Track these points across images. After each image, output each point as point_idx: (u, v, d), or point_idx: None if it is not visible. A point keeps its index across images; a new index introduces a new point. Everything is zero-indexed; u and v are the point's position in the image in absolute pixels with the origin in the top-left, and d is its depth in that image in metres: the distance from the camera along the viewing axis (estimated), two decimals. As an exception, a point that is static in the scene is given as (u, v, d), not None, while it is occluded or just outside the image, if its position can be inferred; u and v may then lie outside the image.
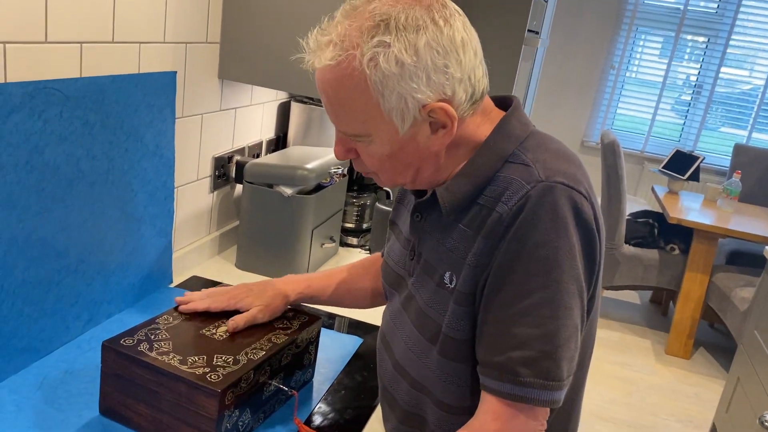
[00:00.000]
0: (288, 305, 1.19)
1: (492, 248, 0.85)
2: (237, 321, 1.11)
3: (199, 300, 1.14)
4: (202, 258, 1.69)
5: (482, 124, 0.91)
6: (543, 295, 0.82)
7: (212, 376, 0.97)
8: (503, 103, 0.96)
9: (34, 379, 1.11)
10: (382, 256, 1.23)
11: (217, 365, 1.00)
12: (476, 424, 0.86)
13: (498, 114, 0.93)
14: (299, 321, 1.18)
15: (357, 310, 1.55)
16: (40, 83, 1.06)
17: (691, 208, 3.78)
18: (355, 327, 1.48)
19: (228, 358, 1.02)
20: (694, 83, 5.16)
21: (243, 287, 1.17)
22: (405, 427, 1.03)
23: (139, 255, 1.40)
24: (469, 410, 0.93)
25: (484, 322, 0.87)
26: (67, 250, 1.19)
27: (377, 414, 1.18)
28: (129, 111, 1.28)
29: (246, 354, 1.04)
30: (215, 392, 0.94)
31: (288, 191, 1.59)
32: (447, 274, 0.91)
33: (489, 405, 0.85)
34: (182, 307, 1.13)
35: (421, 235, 0.98)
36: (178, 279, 1.57)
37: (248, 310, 1.13)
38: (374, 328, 1.47)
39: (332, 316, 1.50)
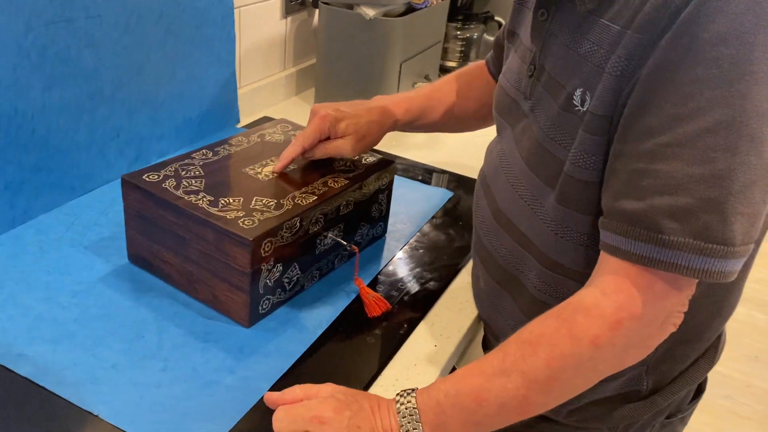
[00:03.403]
0: (383, 135, 0.95)
1: (647, 46, 0.57)
2: (314, 152, 0.89)
3: (290, 148, 0.89)
4: (275, 98, 1.47)
5: None
6: (717, 115, 0.53)
7: (246, 222, 0.77)
8: None
9: (65, 220, 0.97)
10: (487, 64, 0.99)
11: (254, 209, 0.80)
12: (590, 298, 0.60)
13: None
14: (366, 163, 0.95)
15: (449, 156, 1.31)
16: None
17: None
18: (445, 178, 1.23)
19: (269, 202, 0.81)
20: None
21: (329, 109, 0.90)
22: (500, 289, 0.80)
23: (195, 85, 1.20)
24: (583, 276, 0.69)
25: (618, 155, 0.60)
26: (97, 71, 1.00)
27: (462, 278, 0.95)
28: None
29: (293, 198, 0.83)
30: (246, 241, 0.75)
31: (371, 12, 1.31)
32: (578, 92, 0.64)
33: (611, 272, 0.59)
34: (276, 166, 0.89)
35: (545, 40, 0.71)
36: (246, 119, 1.37)
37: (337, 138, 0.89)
38: (468, 180, 1.22)
39: (416, 164, 1.26)
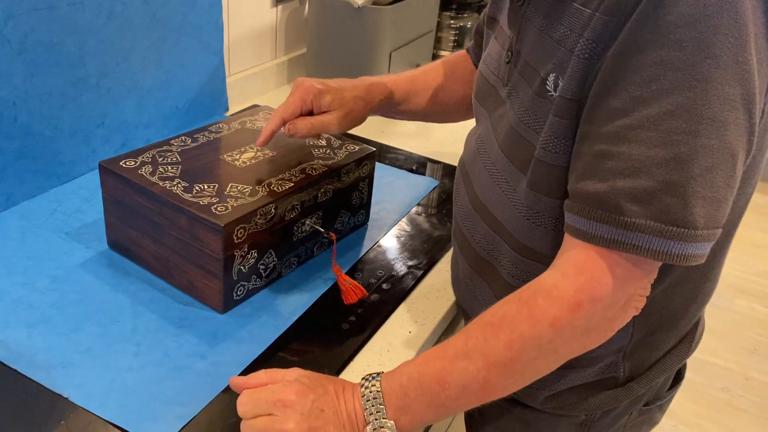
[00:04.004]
0: (369, 114, 0.92)
1: (614, 28, 0.56)
2: (298, 125, 0.83)
3: (269, 122, 0.86)
4: (266, 86, 1.47)
5: None
6: (679, 98, 0.53)
7: (219, 208, 0.77)
8: None
9: (49, 206, 0.97)
10: (468, 51, 0.97)
11: (229, 195, 0.80)
12: (550, 280, 0.60)
13: None
14: (346, 151, 0.95)
15: (439, 145, 1.30)
16: None
17: None
18: (432, 167, 1.22)
19: (244, 189, 0.82)
20: None
21: (313, 82, 0.87)
22: (476, 275, 0.81)
23: (182, 74, 1.20)
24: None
25: (584, 137, 0.60)
26: (81, 59, 1.00)
27: (442, 265, 0.95)
28: None
29: (268, 185, 0.83)
30: (218, 227, 0.75)
31: (359, 1, 1.31)
32: (551, 77, 0.63)
33: (573, 253, 0.59)
34: (258, 141, 0.85)
35: (521, 26, 0.70)
36: (236, 107, 1.37)
37: (322, 113, 0.86)
38: (454, 169, 1.21)
39: (404, 153, 1.26)
